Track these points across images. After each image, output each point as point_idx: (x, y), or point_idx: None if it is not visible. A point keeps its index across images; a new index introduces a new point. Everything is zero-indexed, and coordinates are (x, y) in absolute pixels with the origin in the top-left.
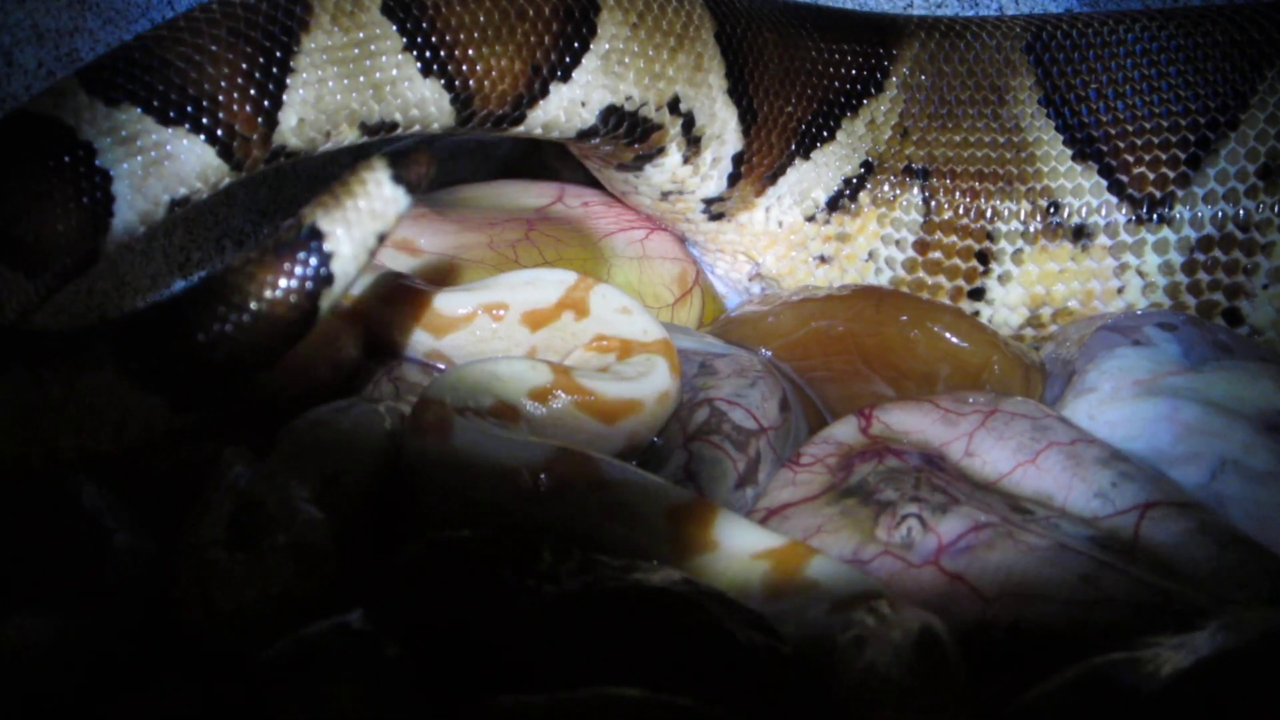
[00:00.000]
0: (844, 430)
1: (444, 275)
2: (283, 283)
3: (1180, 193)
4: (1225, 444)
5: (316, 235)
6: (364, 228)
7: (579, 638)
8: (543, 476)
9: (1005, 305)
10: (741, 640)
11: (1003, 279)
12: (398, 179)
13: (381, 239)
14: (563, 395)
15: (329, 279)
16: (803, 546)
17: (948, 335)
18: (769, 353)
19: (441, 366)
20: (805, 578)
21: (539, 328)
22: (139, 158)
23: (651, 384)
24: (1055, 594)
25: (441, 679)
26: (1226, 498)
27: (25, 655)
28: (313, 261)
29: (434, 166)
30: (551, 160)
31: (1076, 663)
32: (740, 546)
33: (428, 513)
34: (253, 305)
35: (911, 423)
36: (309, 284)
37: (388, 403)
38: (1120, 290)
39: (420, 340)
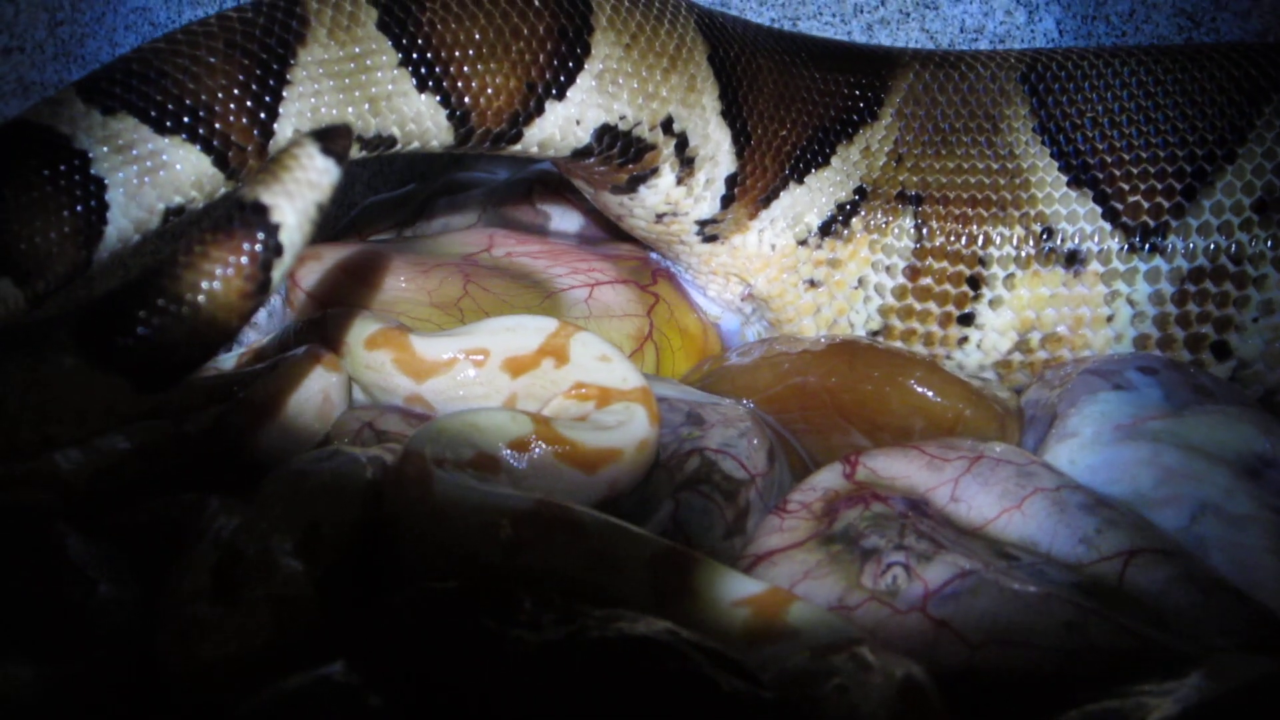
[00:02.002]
0: (829, 477)
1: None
2: (235, 257)
3: (1174, 223)
4: (1206, 488)
5: (261, 209)
6: (304, 198)
7: (561, 687)
8: (523, 528)
9: (995, 330)
10: (724, 687)
11: (993, 304)
12: (327, 151)
13: (321, 209)
14: (543, 445)
15: (278, 249)
16: (783, 593)
17: (920, 390)
18: (751, 404)
19: (421, 411)
20: (786, 624)
21: (519, 374)
22: (134, 166)
23: (631, 432)
24: (1040, 641)
25: None
26: (1207, 541)
27: (9, 704)
28: (261, 234)
29: (352, 139)
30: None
31: (1064, 710)
32: (721, 593)
33: (410, 563)
34: (208, 281)
35: (897, 469)
36: (260, 255)
37: (370, 451)
38: (1110, 319)
39: (401, 384)
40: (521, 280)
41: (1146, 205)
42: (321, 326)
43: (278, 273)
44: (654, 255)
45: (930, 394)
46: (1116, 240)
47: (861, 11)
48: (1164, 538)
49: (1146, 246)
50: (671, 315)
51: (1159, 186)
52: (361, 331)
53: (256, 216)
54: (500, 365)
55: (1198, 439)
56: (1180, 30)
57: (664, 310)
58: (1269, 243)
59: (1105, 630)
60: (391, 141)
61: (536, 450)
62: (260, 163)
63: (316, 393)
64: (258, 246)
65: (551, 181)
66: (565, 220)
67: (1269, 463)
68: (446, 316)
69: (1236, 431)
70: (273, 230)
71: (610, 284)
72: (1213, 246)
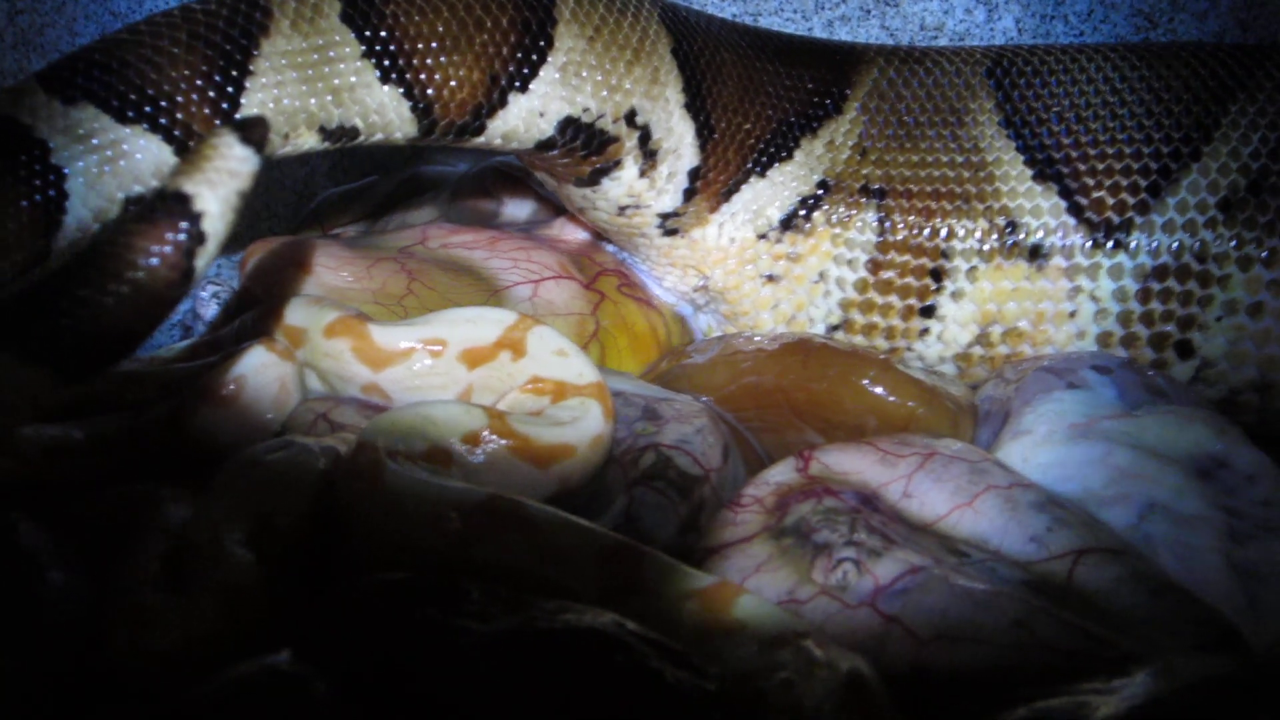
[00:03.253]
0: (782, 471)
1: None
2: (158, 246)
3: (1139, 219)
4: (1156, 488)
5: (183, 198)
6: (226, 186)
7: (507, 677)
8: (473, 521)
9: (955, 322)
10: (669, 679)
11: (955, 296)
12: (245, 140)
13: (242, 197)
14: (496, 440)
15: (202, 238)
16: (731, 587)
17: (873, 389)
18: (709, 400)
19: (379, 402)
20: (733, 618)
21: (476, 366)
22: (95, 156)
23: (585, 429)
24: (989, 637)
25: (370, 718)
26: (1155, 539)
27: None
28: (184, 223)
29: (268, 128)
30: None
31: (1012, 707)
32: (668, 587)
33: (361, 554)
34: (131, 271)
35: (850, 464)
36: (184, 245)
37: (323, 442)
38: (1072, 314)
39: (359, 373)
40: (466, 276)
41: (1111, 201)
42: (278, 315)
43: (201, 261)
44: (607, 246)
45: (883, 393)
46: (1080, 235)
47: (823, 8)
48: (1114, 537)
49: (1110, 243)
50: (618, 313)
51: (1124, 183)
52: (320, 319)
53: (179, 206)
54: (458, 356)
55: (1150, 439)
56: (1138, 30)
57: (610, 308)
58: (1233, 242)
59: (1053, 628)
60: (354, 133)
61: (490, 444)
62: None
63: (271, 382)
64: (181, 235)
65: (506, 171)
66: (519, 208)
67: (1221, 463)
68: (390, 315)
69: (1189, 432)
70: (195, 219)
71: (555, 279)
72: (1177, 244)
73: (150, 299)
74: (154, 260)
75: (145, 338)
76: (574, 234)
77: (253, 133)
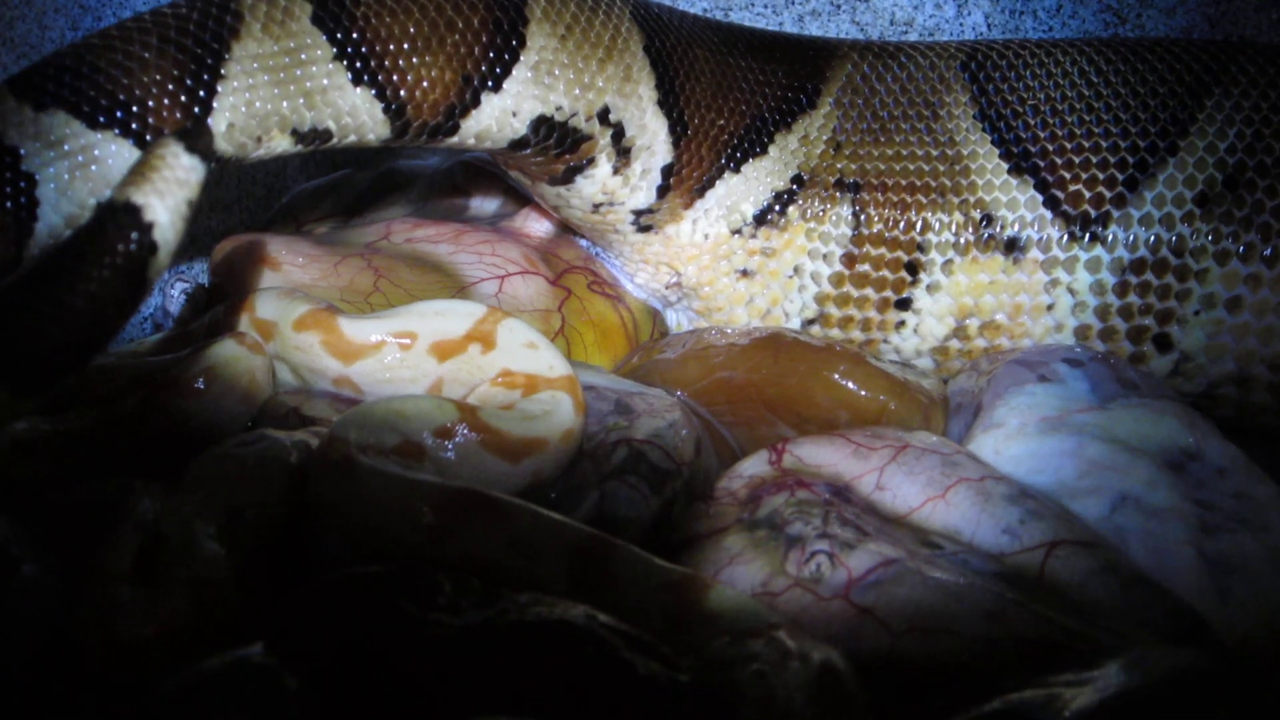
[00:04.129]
0: (756, 464)
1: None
2: (110, 259)
3: (1116, 213)
4: (1127, 480)
5: (134, 209)
6: (175, 196)
7: (479, 669)
8: (445, 515)
9: (932, 315)
10: (641, 671)
11: (931, 289)
12: (191, 149)
13: (191, 206)
14: (467, 434)
15: (153, 248)
16: (702, 579)
17: (844, 383)
18: (683, 394)
19: (350, 395)
20: (705, 609)
21: (446, 358)
22: (66, 162)
23: (556, 422)
24: (962, 629)
25: (342, 711)
26: (1126, 531)
27: None
28: (134, 234)
29: (212, 136)
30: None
31: (986, 700)
32: (641, 580)
33: (333, 548)
34: (85, 284)
35: (823, 456)
36: (136, 255)
37: (295, 436)
38: (1050, 307)
39: (329, 366)
40: (432, 272)
41: (1087, 194)
42: (248, 307)
43: (154, 271)
44: (578, 240)
45: (854, 387)
46: (1057, 229)
47: (793, 3)
48: (1086, 530)
49: (1087, 236)
50: (584, 310)
51: (1100, 176)
52: (291, 313)
53: (129, 218)
54: (428, 349)
55: (1122, 432)
56: (1106, 26)
57: (576, 305)
58: (1210, 236)
59: (1026, 620)
60: (328, 135)
61: (461, 438)
62: None
63: (242, 375)
64: (133, 246)
65: (476, 165)
66: (488, 202)
67: (1193, 456)
68: (358, 311)
69: (1161, 425)
70: (146, 229)
71: (521, 275)
72: (1154, 238)
73: (104, 312)
74: (106, 273)
75: (100, 349)
76: (540, 226)
77: (198, 141)
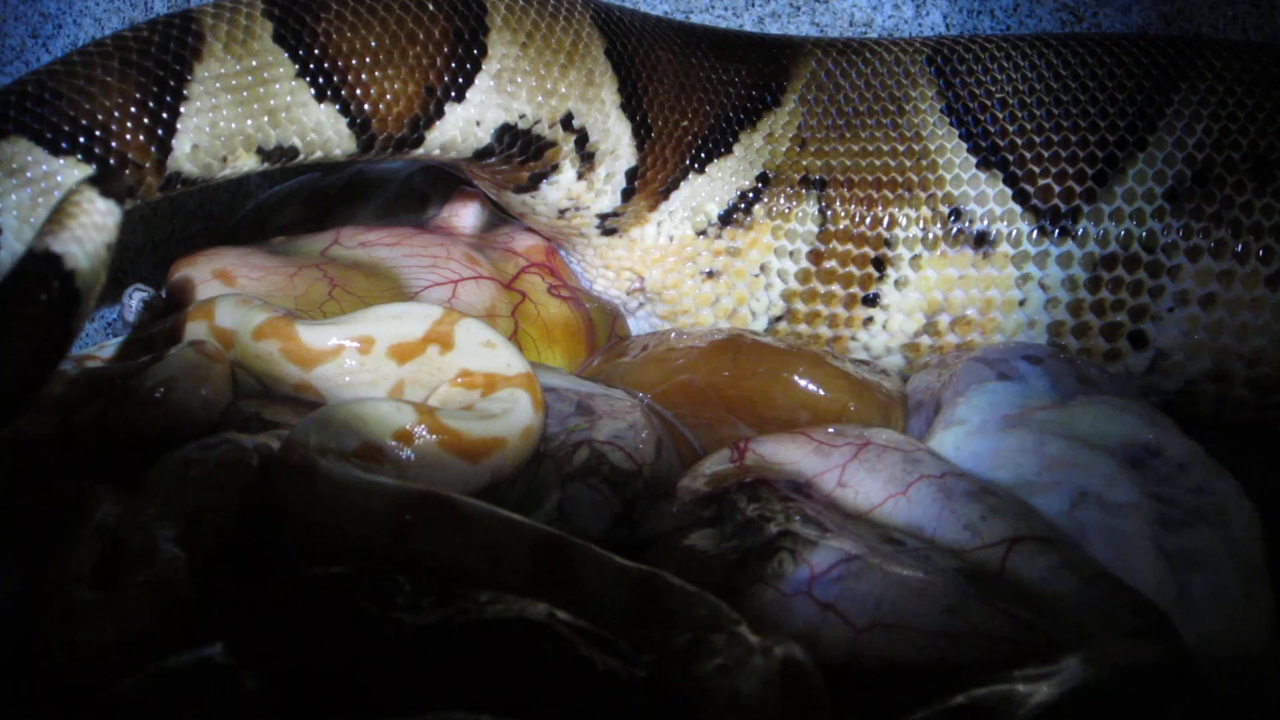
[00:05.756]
0: (717, 462)
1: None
2: (33, 310)
3: (1086, 208)
4: (1088, 476)
5: (54, 259)
6: (93, 240)
7: (438, 667)
8: (405, 517)
9: (901, 311)
10: (599, 667)
11: (899, 284)
12: (106, 193)
13: (110, 249)
14: (427, 436)
15: (76, 295)
16: (664, 576)
17: (804, 384)
18: (645, 396)
19: (311, 399)
20: (665, 606)
21: (406, 361)
22: (28, 189)
23: (515, 420)
24: (923, 625)
25: (301, 710)
26: (1086, 526)
27: None
28: (56, 283)
29: (126, 180)
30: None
31: (948, 695)
32: (600, 578)
33: (294, 551)
34: (8, 339)
35: (785, 454)
36: (59, 304)
37: (256, 440)
38: (1022, 303)
39: (290, 372)
40: (384, 280)
41: (1057, 189)
42: (207, 316)
43: (78, 319)
44: (535, 239)
45: (814, 387)
46: (1027, 223)
47: (753, 5)
48: (1047, 525)
49: (1057, 230)
50: (539, 314)
51: (1070, 170)
52: (249, 322)
53: (50, 267)
54: (386, 352)
55: (1082, 428)
56: (1063, 24)
57: (530, 309)
58: (1181, 232)
59: (986, 615)
60: (294, 152)
61: (420, 440)
62: (158, 179)
63: (202, 382)
64: (55, 296)
65: (437, 169)
66: (447, 205)
67: (1153, 452)
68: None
69: (1121, 422)
70: (68, 277)
71: (475, 280)
72: (1124, 233)
73: (30, 362)
74: (29, 325)
75: (27, 400)
76: (466, 219)
77: (112, 185)
